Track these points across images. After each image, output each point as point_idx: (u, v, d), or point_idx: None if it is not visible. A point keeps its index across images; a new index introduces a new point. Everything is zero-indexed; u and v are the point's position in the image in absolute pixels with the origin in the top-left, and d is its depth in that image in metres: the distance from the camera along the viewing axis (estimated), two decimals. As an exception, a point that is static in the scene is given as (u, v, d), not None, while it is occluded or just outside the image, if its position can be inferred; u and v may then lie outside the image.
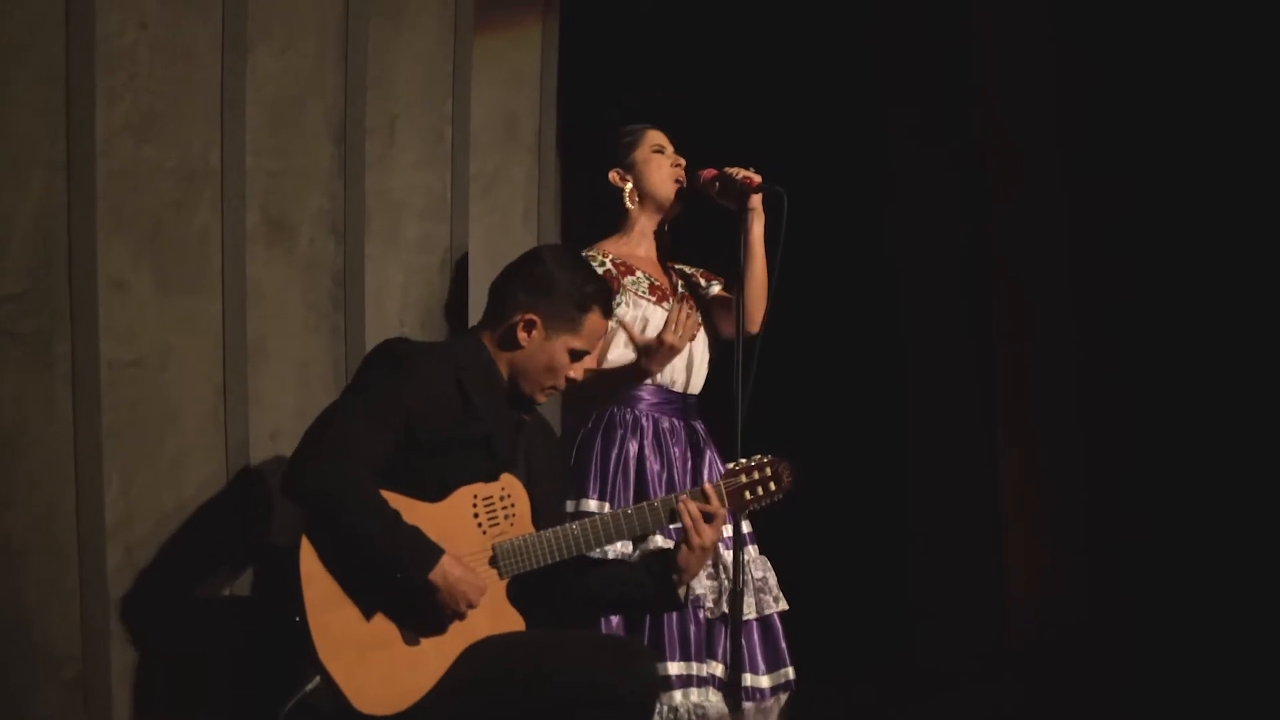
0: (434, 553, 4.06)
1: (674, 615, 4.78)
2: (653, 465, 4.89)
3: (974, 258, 6.48)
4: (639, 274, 4.95)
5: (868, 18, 6.55)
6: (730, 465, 4.48)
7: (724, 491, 4.39)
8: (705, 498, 4.35)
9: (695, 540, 4.32)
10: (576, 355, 4.35)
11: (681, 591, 4.40)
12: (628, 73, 5.97)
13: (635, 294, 4.90)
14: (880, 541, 6.54)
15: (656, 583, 4.37)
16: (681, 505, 4.33)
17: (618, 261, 4.95)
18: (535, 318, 4.31)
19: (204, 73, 4.66)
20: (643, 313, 4.90)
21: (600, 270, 4.89)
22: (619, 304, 4.89)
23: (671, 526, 4.45)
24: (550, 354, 4.32)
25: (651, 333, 4.89)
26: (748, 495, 4.41)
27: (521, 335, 4.31)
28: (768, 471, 4.43)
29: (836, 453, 6.37)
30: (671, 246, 5.12)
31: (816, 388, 6.53)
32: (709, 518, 4.34)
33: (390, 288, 5.06)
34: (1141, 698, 5.89)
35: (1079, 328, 6.48)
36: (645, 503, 4.42)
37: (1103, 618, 6.34)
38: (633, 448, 4.90)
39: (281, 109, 4.82)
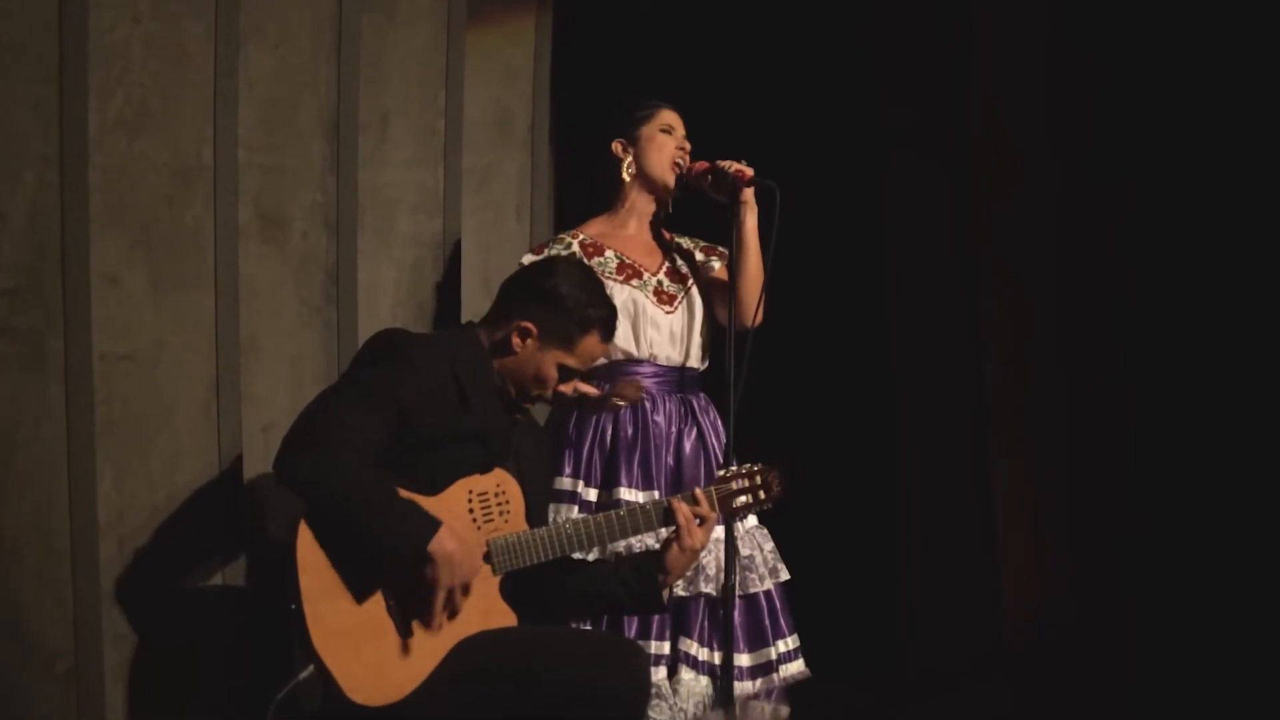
0: (432, 524, 4.05)
1: None
2: (626, 436, 4.86)
3: (973, 258, 6.46)
4: (609, 254, 4.94)
5: (868, 18, 6.53)
6: (720, 472, 4.49)
7: (714, 497, 4.39)
8: (696, 501, 4.35)
9: (686, 542, 4.32)
10: (566, 373, 4.33)
11: (666, 593, 4.41)
12: (625, 69, 5.96)
13: (601, 275, 4.88)
14: (879, 542, 6.52)
15: (642, 583, 4.37)
16: (676, 506, 4.33)
17: (587, 244, 4.94)
18: (532, 326, 4.29)
19: (197, 69, 4.68)
20: (612, 293, 4.88)
21: (565, 253, 4.88)
22: None
23: (661, 530, 4.44)
24: (539, 365, 4.30)
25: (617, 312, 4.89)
26: (737, 502, 4.42)
27: (515, 341, 4.29)
28: (758, 480, 4.44)
29: (835, 451, 6.36)
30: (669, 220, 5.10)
31: (813, 389, 6.51)
32: (700, 520, 4.34)
33: (383, 283, 5.08)
34: (1141, 697, 5.87)
35: (1078, 328, 6.46)
36: (638, 504, 4.43)
37: (1102, 618, 6.32)
38: (607, 423, 4.89)
39: (274, 105, 4.84)
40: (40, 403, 4.45)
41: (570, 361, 4.32)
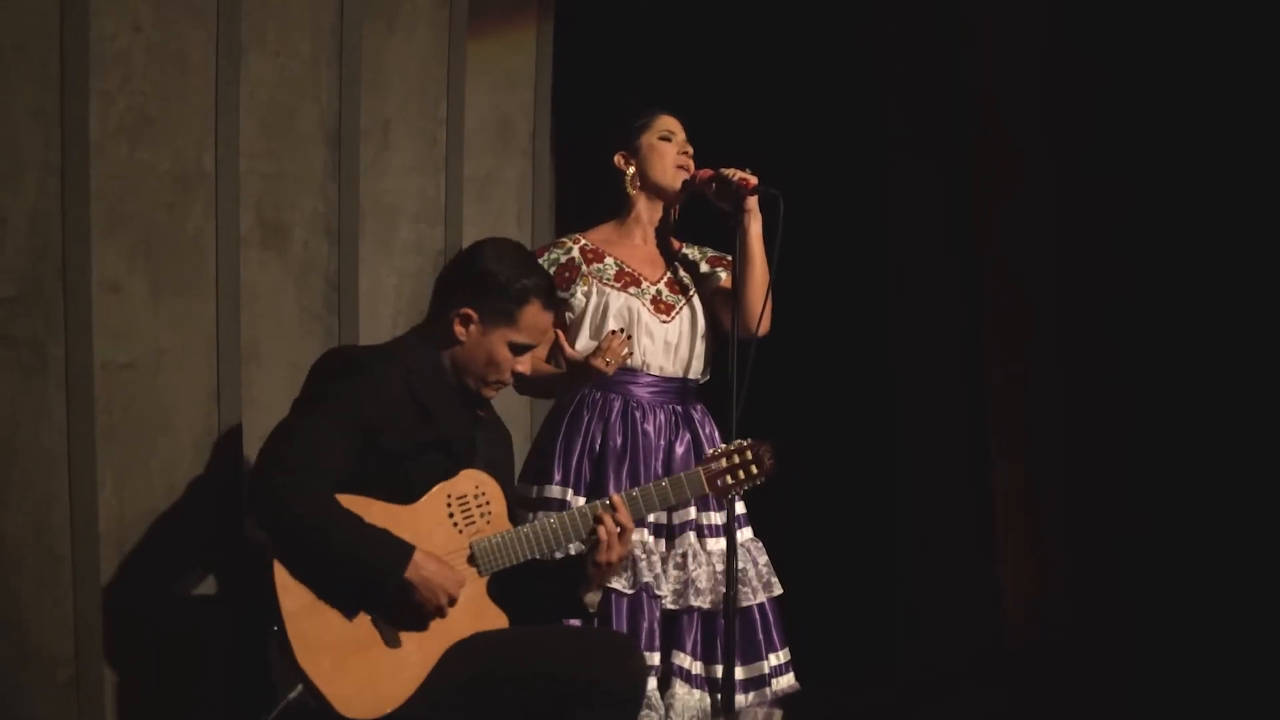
0: (405, 552, 4.03)
1: (624, 604, 4.74)
2: (615, 445, 4.85)
3: (973, 258, 6.46)
4: (608, 260, 4.92)
5: (868, 18, 6.53)
6: (710, 451, 4.46)
7: (704, 478, 4.37)
8: (614, 508, 4.29)
9: (602, 556, 4.26)
10: (518, 349, 4.29)
11: (590, 598, 4.35)
12: (626, 75, 5.96)
13: (600, 281, 4.87)
14: (879, 542, 6.52)
15: (564, 595, 4.35)
16: (602, 516, 4.25)
17: (588, 249, 4.92)
18: (471, 312, 4.26)
19: (198, 76, 4.68)
20: (605, 300, 4.88)
21: (565, 257, 4.87)
22: (584, 292, 4.88)
23: (649, 519, 4.42)
24: (489, 348, 4.27)
25: (610, 319, 4.87)
26: (728, 479, 4.38)
27: (459, 330, 4.27)
28: (748, 455, 4.39)
29: (836, 452, 6.37)
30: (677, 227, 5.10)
31: (814, 390, 6.51)
32: (620, 530, 4.27)
33: (384, 290, 5.08)
34: (1140, 697, 5.89)
35: (1078, 328, 6.46)
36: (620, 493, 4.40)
37: (1102, 618, 6.33)
38: (597, 431, 4.88)
39: (275, 112, 4.84)
40: (41, 408, 4.45)
41: (518, 337, 4.28)
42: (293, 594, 4.00)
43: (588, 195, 5.09)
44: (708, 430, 4.96)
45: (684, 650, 4.81)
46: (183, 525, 4.65)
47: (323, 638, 4.00)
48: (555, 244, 4.96)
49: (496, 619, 4.23)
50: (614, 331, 4.75)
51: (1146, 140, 6.32)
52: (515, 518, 4.32)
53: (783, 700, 4.94)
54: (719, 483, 4.39)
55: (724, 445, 4.45)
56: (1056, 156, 6.47)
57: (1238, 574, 6.12)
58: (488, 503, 4.25)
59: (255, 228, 4.81)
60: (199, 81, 4.68)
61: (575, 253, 4.89)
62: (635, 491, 4.36)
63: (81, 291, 4.48)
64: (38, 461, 4.45)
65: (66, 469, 4.48)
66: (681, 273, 5.00)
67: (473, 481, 4.25)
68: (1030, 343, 6.50)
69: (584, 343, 4.85)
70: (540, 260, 4.82)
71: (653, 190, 4.97)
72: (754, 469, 4.40)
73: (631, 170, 4.95)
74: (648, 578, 4.75)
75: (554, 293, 4.39)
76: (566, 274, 4.85)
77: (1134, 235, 6.39)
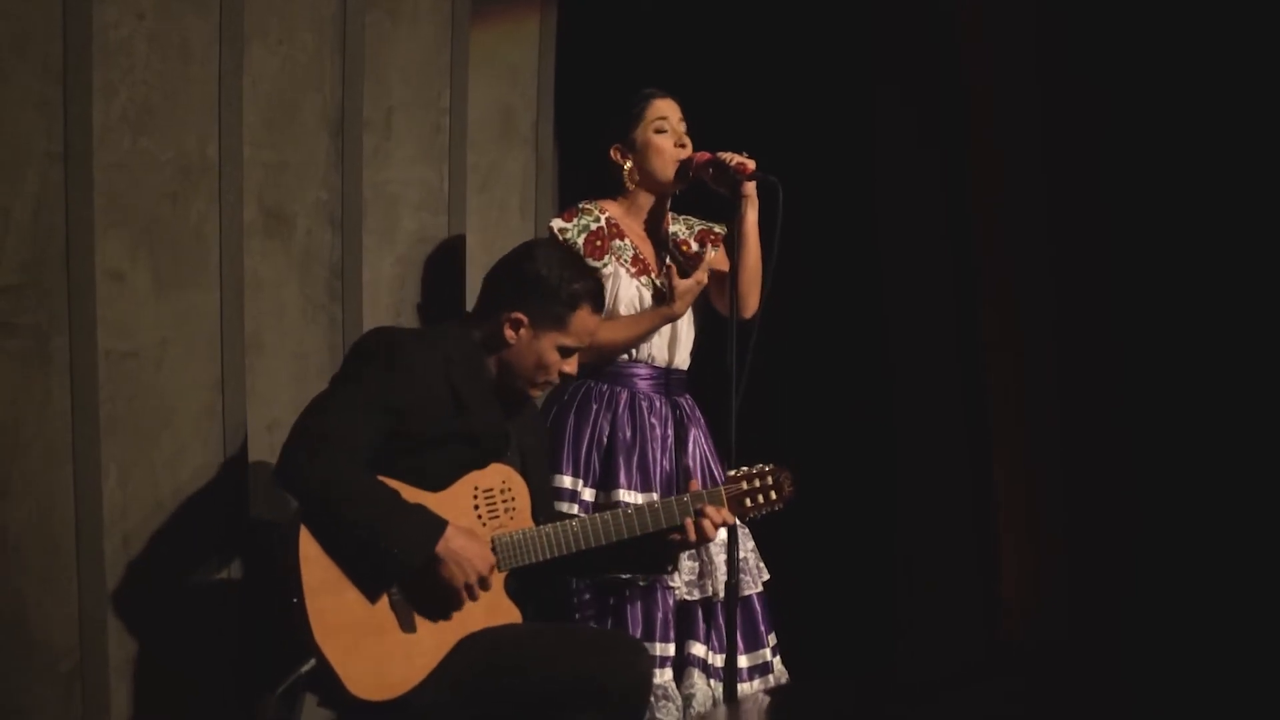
0: (438, 525, 4.06)
1: (636, 595, 4.77)
2: (624, 438, 4.86)
3: (963, 257, 6.45)
4: (626, 241, 4.93)
5: (864, 14, 6.53)
6: (731, 472, 4.49)
7: (724, 496, 4.39)
8: (720, 502, 4.37)
9: (691, 539, 4.36)
10: (567, 352, 4.34)
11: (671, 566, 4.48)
12: (628, 65, 5.95)
13: (618, 260, 4.89)
14: (876, 545, 6.51)
15: (645, 560, 4.47)
16: (710, 513, 4.34)
17: (612, 221, 4.93)
18: (522, 316, 4.30)
19: (201, 65, 4.68)
20: (618, 285, 4.89)
21: (595, 225, 4.89)
22: (609, 271, 4.89)
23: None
24: (539, 352, 4.31)
25: (621, 306, 4.88)
26: (748, 503, 4.43)
27: (509, 334, 4.30)
28: (769, 480, 4.44)
29: (831, 456, 6.34)
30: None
31: (810, 392, 6.49)
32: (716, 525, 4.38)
33: (387, 280, 5.08)
34: (1135, 702, 5.88)
35: (1077, 327, 6.46)
36: (647, 503, 4.43)
37: (1100, 624, 6.33)
38: (605, 423, 4.88)
39: (278, 102, 4.84)
40: (44, 400, 4.44)
41: (567, 341, 4.33)
42: (314, 567, 4.02)
43: (590, 186, 5.08)
44: (697, 417, 4.98)
45: (700, 640, 4.82)
46: (187, 516, 4.64)
47: (340, 616, 4.02)
48: (582, 209, 4.95)
49: (509, 614, 4.26)
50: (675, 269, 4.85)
51: (1143, 134, 6.32)
52: (538, 515, 4.34)
53: (776, 691, 4.95)
54: (742, 504, 4.42)
55: (745, 468, 4.47)
56: (1045, 152, 6.47)
57: (1236, 576, 6.12)
58: (513, 498, 4.27)
59: (258, 217, 4.80)
60: (202, 71, 4.68)
61: (603, 222, 4.89)
62: (657, 504, 4.38)
63: (84, 281, 4.47)
64: (41, 453, 4.44)
65: (70, 460, 4.47)
66: (680, 261, 5.01)
67: (500, 475, 4.28)
68: (1029, 341, 6.49)
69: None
70: (570, 224, 4.86)
71: (651, 185, 4.97)
72: (773, 494, 4.45)
73: (629, 165, 4.95)
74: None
75: (602, 296, 4.44)
76: (598, 242, 4.87)
77: (1133, 234, 6.39)
